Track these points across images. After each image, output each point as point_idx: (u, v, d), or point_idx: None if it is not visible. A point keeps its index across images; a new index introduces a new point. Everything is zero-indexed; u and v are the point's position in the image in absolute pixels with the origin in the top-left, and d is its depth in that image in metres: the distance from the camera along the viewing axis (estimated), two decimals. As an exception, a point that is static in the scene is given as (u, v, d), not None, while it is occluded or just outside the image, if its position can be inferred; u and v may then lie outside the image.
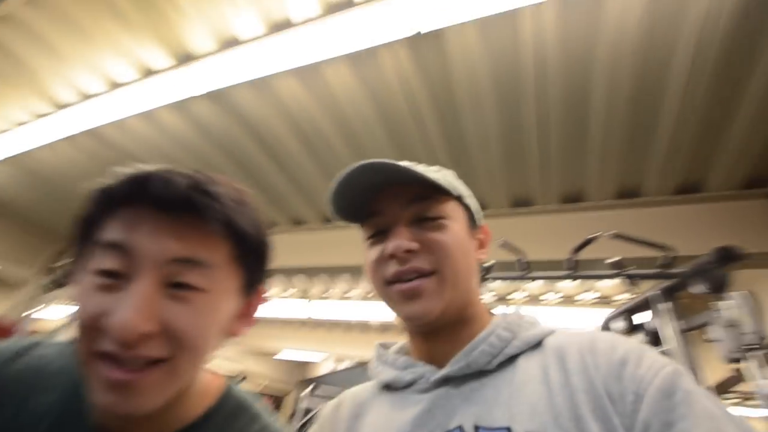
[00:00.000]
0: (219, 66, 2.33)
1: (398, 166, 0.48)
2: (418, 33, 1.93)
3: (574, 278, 2.14)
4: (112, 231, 0.38)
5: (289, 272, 4.21)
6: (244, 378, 8.84)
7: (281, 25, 2.16)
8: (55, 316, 5.61)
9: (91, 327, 0.35)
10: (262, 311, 0.48)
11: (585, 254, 2.20)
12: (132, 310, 0.33)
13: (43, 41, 2.54)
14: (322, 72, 2.35)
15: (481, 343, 0.48)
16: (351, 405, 0.54)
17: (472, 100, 2.35)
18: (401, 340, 0.59)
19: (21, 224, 5.48)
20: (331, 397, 0.58)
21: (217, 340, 0.42)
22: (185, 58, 2.46)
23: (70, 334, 0.41)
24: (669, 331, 1.89)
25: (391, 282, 0.49)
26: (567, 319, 4.45)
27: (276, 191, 3.56)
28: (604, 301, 4.08)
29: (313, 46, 2.10)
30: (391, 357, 0.54)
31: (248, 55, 2.25)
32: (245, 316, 0.47)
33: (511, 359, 0.47)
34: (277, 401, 11.34)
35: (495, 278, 2.56)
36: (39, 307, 3.91)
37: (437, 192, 0.50)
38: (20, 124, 3.34)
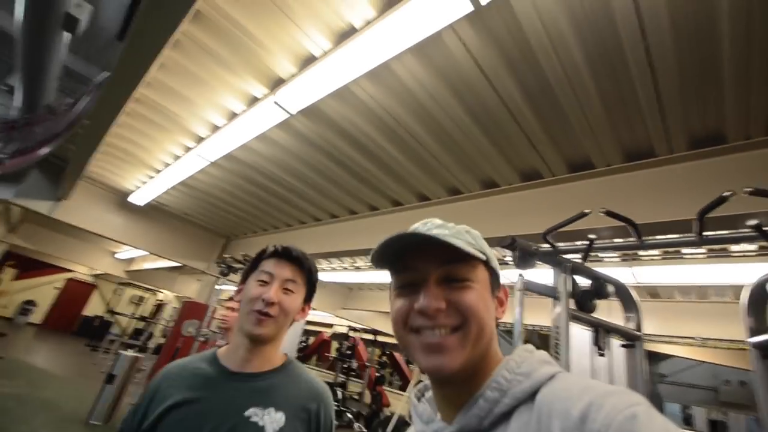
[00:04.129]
0: (303, 85, 2.60)
1: (432, 237, 0.52)
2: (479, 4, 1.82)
3: (700, 245, 1.83)
4: (267, 266, 0.93)
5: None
6: (376, 334, 9.97)
7: (346, 34, 2.28)
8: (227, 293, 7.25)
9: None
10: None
11: (719, 210, 1.84)
12: (272, 292, 0.89)
13: (177, 93, 3.20)
14: (393, 69, 2.41)
15: (473, 405, 0.50)
16: None
17: (556, 53, 2.11)
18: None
19: (194, 230, 7.12)
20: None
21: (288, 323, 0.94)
22: (276, 83, 2.81)
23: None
24: None
25: (414, 331, 0.53)
26: (717, 276, 3.77)
27: (370, 180, 3.84)
28: (771, 252, 3.31)
29: (379, 45, 2.16)
30: (420, 408, 0.60)
31: (324, 70, 2.44)
32: (303, 311, 0.98)
33: (506, 415, 0.49)
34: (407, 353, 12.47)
35: (605, 248, 2.36)
36: (217, 290, 5.12)
37: (467, 257, 0.53)
38: (177, 157, 4.29)
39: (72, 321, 14.27)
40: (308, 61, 2.54)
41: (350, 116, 2.94)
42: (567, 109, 2.43)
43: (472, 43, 2.14)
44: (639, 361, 2.32)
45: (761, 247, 3.39)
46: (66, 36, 3.53)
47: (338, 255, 5.06)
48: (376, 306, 8.86)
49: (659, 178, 2.62)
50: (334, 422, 0.95)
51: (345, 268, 7.21)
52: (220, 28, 2.47)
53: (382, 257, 0.57)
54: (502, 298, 0.60)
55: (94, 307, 14.80)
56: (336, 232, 5.00)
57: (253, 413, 0.81)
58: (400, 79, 2.47)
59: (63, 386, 6.03)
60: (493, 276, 0.58)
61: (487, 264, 0.57)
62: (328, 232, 5.13)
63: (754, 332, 1.98)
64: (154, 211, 6.59)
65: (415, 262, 0.55)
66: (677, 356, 6.49)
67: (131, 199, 5.95)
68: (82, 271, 14.54)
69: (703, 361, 6.42)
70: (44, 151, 4.37)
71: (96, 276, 14.98)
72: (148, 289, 14.27)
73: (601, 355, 2.33)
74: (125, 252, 11.20)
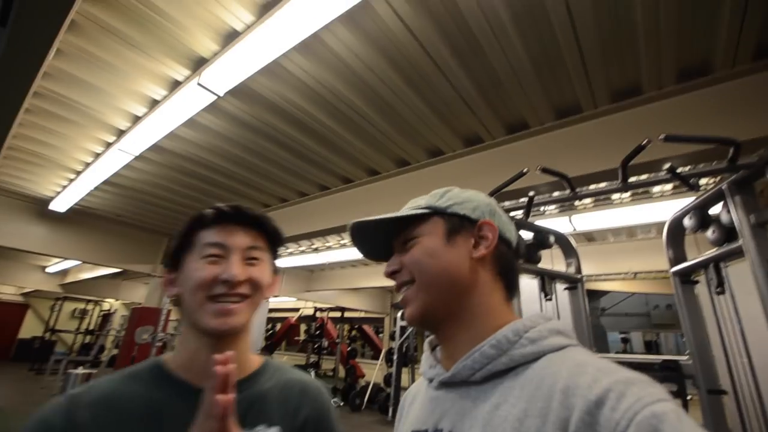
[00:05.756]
0: (228, 64, 2.40)
1: (373, 220, 0.58)
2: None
3: (625, 190, 2.01)
4: (212, 236, 0.65)
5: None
6: (343, 311, 10.09)
7: (269, 5, 2.12)
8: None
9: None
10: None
11: (640, 156, 2.00)
12: (235, 267, 0.63)
13: (84, 83, 2.84)
14: (324, 40, 2.29)
15: (468, 357, 0.50)
16: (414, 392, 0.66)
17: (482, 11, 2.11)
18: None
19: (131, 232, 6.57)
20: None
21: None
22: (198, 63, 2.58)
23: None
24: (743, 225, 1.75)
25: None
26: (642, 217, 4.19)
27: (316, 159, 3.73)
28: (683, 190, 3.72)
29: (306, 15, 2.03)
30: (426, 355, 0.62)
31: (250, 45, 2.27)
32: (273, 284, 0.74)
33: (501, 373, 0.48)
34: (377, 324, 12.84)
35: (544, 203, 2.51)
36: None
37: (412, 219, 0.58)
38: (97, 154, 3.87)
39: (7, 347, 12.88)
40: (231, 36, 2.35)
41: (284, 93, 2.80)
42: (499, 70, 2.48)
43: (401, 7, 2.09)
44: (581, 300, 2.55)
45: (676, 187, 3.79)
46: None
47: (294, 239, 4.95)
48: (340, 284, 8.90)
49: (587, 132, 2.80)
50: (335, 421, 0.77)
51: (303, 251, 7.11)
52: (123, 5, 2.19)
53: (360, 246, 0.64)
54: (479, 237, 0.56)
55: (30, 328, 13.44)
56: (288, 216, 4.86)
57: None
58: (333, 50, 2.37)
59: (11, 418, 5.51)
60: (452, 221, 0.57)
61: (441, 213, 0.57)
62: (279, 217, 4.97)
63: (674, 262, 2.25)
64: (81, 217, 5.97)
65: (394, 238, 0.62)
66: (613, 291, 7.29)
67: (53, 206, 5.34)
68: (8, 292, 13.05)
69: (635, 293, 7.28)
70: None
71: (26, 294, 13.53)
72: (90, 301, 13.18)
73: (549, 299, 2.53)
74: (56, 264, 10.17)
